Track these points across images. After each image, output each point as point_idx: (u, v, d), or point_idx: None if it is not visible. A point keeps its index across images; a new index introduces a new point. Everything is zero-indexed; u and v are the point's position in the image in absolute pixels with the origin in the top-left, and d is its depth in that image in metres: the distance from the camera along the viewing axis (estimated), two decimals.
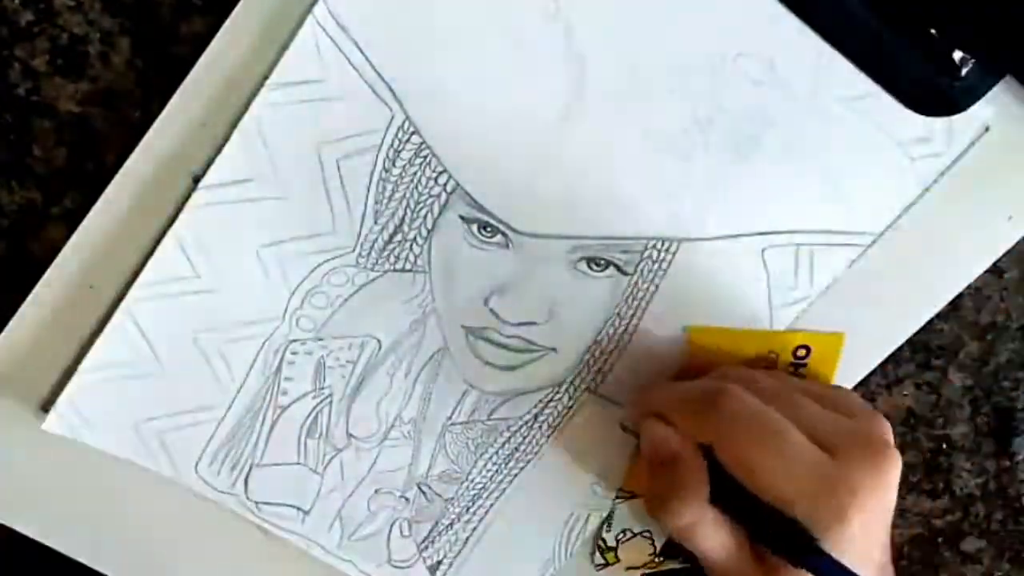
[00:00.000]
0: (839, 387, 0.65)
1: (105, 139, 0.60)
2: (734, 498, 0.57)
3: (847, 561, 0.54)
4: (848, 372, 0.67)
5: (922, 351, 0.68)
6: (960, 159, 0.61)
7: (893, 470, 0.56)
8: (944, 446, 0.71)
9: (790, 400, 0.58)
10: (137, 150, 0.58)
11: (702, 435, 0.58)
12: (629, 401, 0.65)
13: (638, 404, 0.64)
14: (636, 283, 0.63)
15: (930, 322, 0.67)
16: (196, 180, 0.59)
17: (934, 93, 0.60)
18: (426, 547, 0.68)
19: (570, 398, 0.66)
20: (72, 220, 0.60)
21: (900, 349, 0.67)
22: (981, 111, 0.60)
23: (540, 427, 0.66)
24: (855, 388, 0.68)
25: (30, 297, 0.60)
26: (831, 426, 0.57)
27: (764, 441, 0.56)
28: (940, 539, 0.73)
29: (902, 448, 0.68)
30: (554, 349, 0.65)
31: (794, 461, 0.55)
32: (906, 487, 0.71)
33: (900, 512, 0.72)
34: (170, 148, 0.58)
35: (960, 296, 0.66)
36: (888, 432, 0.59)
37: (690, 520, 0.58)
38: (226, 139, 0.58)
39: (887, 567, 0.58)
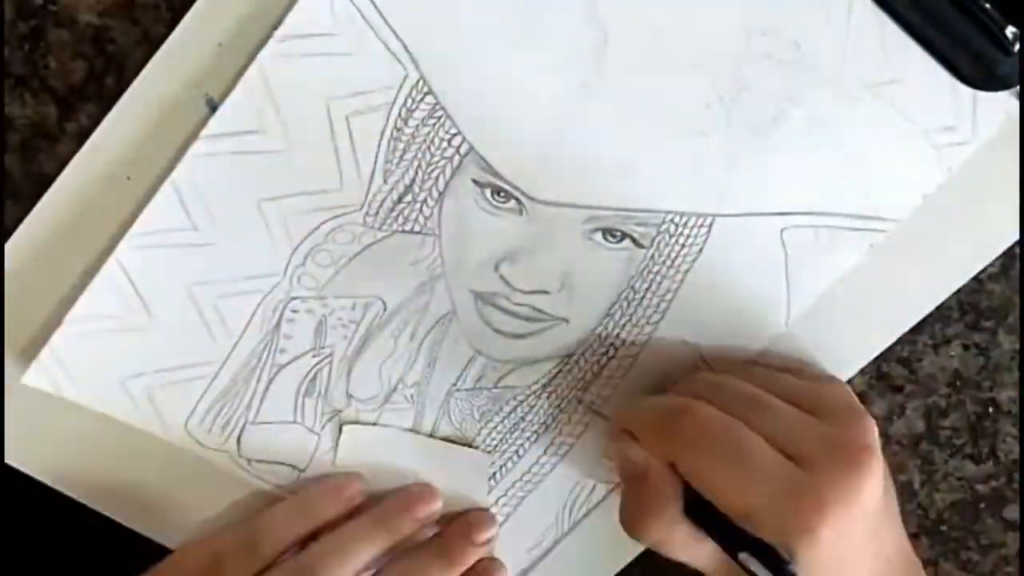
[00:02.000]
0: (830, 379, 0.64)
1: (126, 54, 0.59)
2: (707, 513, 0.56)
3: (827, 571, 0.53)
4: (863, 353, 0.65)
5: (972, 312, 0.67)
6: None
7: (869, 479, 0.54)
8: (990, 410, 0.70)
9: (760, 405, 0.57)
10: (148, 67, 0.57)
11: (665, 455, 0.58)
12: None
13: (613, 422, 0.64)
14: (652, 257, 0.62)
15: (981, 282, 0.66)
16: (212, 107, 0.58)
17: (984, 66, 0.58)
18: None
19: (580, 370, 0.64)
20: (87, 137, 0.58)
21: (949, 309, 0.66)
22: (1007, 101, 0.59)
23: (548, 398, 0.65)
24: (875, 362, 0.66)
25: (18, 231, 0.59)
26: (803, 433, 0.56)
27: (726, 458, 0.55)
28: (982, 504, 0.72)
29: (946, 410, 0.67)
30: (565, 320, 0.63)
31: (758, 475, 0.54)
32: (949, 450, 0.70)
33: (943, 475, 0.70)
34: (184, 67, 0.57)
35: (1012, 258, 0.65)
36: (870, 435, 0.56)
37: (660, 537, 0.58)
38: (242, 64, 0.57)
39: (897, 561, 0.58)
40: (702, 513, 0.57)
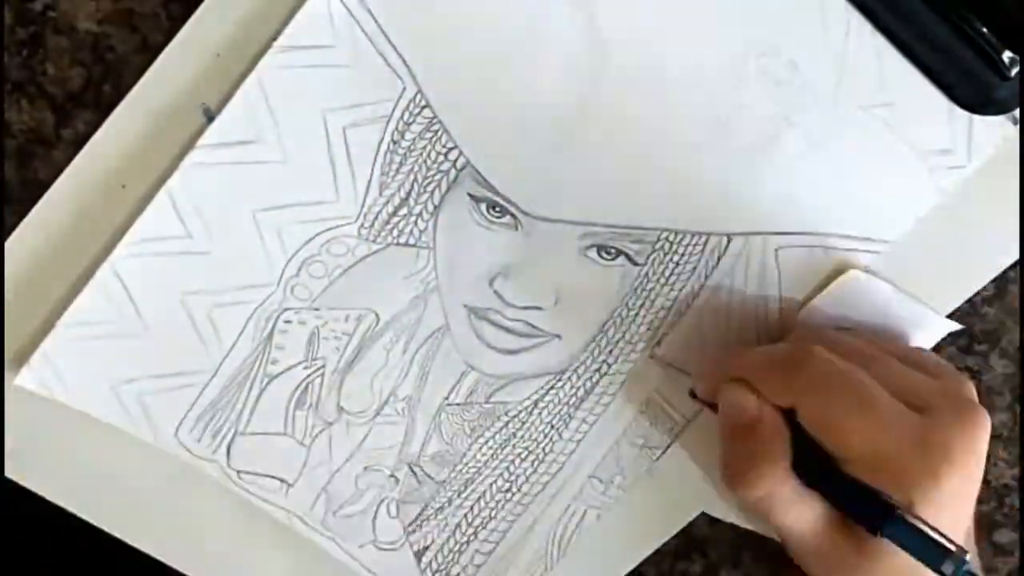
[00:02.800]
0: (920, 349, 0.63)
1: (124, 62, 0.59)
2: (815, 467, 0.55)
3: (939, 525, 0.52)
4: None
5: (965, 336, 0.66)
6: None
7: (984, 430, 0.54)
8: None
9: (876, 360, 0.56)
10: (146, 75, 0.57)
11: (787, 397, 0.55)
12: (700, 371, 0.63)
13: (713, 370, 0.61)
14: (646, 274, 0.62)
15: (975, 305, 0.65)
16: (209, 116, 0.57)
17: (981, 90, 0.58)
18: (413, 531, 0.67)
19: (572, 387, 0.64)
20: (83, 144, 0.58)
21: None
22: (1004, 125, 0.59)
23: (540, 414, 0.65)
24: None
25: (13, 236, 0.59)
26: (919, 386, 0.55)
27: (852, 401, 0.53)
28: (972, 528, 0.71)
29: None
30: (558, 336, 0.63)
31: (884, 421, 0.53)
32: None
33: None
34: (182, 76, 0.57)
35: (1005, 282, 0.65)
36: (974, 392, 0.57)
37: (768, 490, 0.55)
38: (240, 74, 0.57)
39: (971, 534, 0.57)
40: (808, 467, 0.55)
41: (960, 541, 0.53)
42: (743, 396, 0.57)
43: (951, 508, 0.53)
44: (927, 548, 0.52)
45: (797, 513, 0.56)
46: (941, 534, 0.52)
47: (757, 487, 0.55)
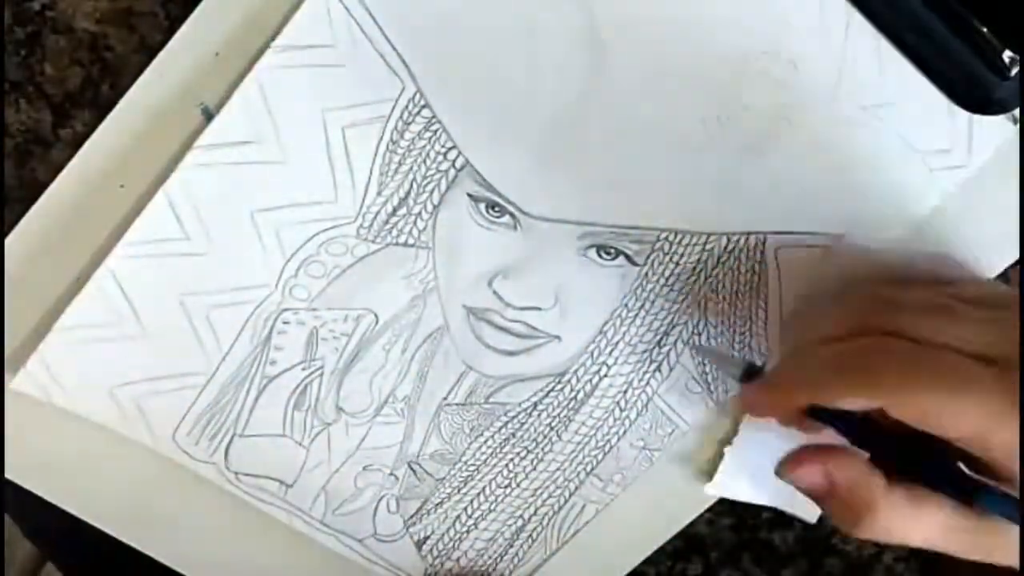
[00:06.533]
0: (986, 282, 0.60)
1: (122, 61, 0.59)
2: (907, 463, 0.52)
3: None
4: None
5: None
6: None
7: None
8: None
9: (943, 314, 0.52)
10: (144, 75, 0.57)
11: (870, 402, 0.50)
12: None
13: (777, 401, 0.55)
14: (646, 274, 0.61)
15: None
16: (208, 116, 0.57)
17: (981, 90, 0.58)
18: (414, 523, 0.67)
19: (572, 390, 0.64)
20: (82, 144, 0.58)
21: None
22: (1004, 124, 0.59)
23: (539, 416, 0.65)
24: None
25: (12, 236, 0.59)
26: (994, 334, 0.50)
27: (938, 386, 0.49)
28: None
29: None
30: (558, 337, 0.63)
31: (976, 396, 0.48)
32: None
33: None
34: (180, 76, 0.57)
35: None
36: None
37: (880, 527, 0.52)
38: (239, 73, 0.57)
39: None
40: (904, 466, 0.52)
41: None
42: (804, 476, 0.54)
43: None
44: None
45: (918, 530, 0.52)
46: None
47: (871, 531, 0.52)
